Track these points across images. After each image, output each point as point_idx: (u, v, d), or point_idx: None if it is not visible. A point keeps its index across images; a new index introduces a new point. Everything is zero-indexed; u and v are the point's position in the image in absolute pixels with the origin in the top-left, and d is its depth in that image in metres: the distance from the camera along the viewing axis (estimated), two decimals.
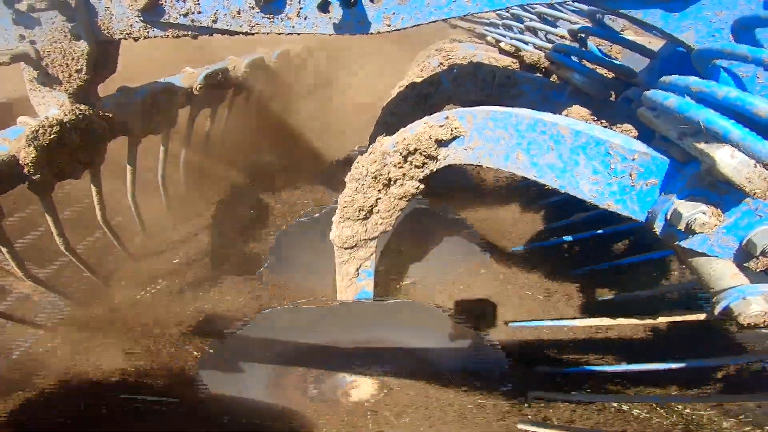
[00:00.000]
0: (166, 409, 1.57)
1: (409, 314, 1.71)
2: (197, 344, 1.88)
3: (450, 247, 2.31)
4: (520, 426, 1.47)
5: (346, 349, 1.72)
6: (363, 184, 1.45)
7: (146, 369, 1.74)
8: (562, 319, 2.05)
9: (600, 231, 2.52)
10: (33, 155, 1.47)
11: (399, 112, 2.29)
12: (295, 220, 2.23)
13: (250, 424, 1.57)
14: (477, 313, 2.14)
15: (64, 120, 1.55)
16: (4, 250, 1.63)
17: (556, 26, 2.34)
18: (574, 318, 2.04)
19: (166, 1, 1.28)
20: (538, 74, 2.38)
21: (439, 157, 1.40)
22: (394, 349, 1.73)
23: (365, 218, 1.53)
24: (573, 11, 2.31)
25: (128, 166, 2.24)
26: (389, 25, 1.25)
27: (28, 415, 1.50)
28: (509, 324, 2.03)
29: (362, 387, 1.73)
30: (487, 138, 1.31)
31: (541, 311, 2.16)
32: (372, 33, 1.27)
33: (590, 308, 2.16)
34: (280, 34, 1.30)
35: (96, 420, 1.51)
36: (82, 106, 1.64)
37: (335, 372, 1.76)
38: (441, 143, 1.37)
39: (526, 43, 2.52)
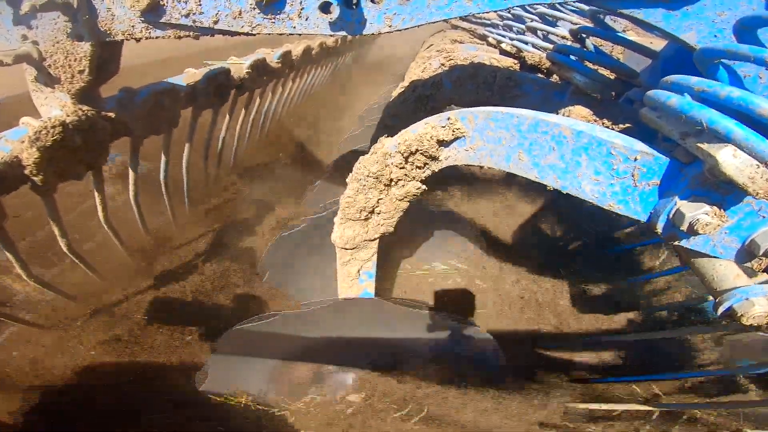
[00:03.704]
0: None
1: (407, 314, 1.71)
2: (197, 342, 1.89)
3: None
4: None
5: (344, 348, 1.72)
6: (364, 185, 1.45)
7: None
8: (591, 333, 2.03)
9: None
10: (35, 156, 1.47)
11: (400, 114, 2.29)
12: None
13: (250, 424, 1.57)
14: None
15: (67, 121, 1.55)
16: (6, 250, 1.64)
17: (557, 26, 2.34)
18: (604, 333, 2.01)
19: (167, 2, 1.28)
20: (539, 75, 2.38)
21: (440, 158, 1.40)
22: (395, 348, 1.72)
23: (366, 219, 1.53)
24: (574, 11, 2.31)
25: (130, 167, 2.24)
26: (390, 26, 1.25)
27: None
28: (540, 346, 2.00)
29: (362, 386, 1.73)
30: (488, 139, 1.31)
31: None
32: (373, 34, 1.27)
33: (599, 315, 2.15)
34: (281, 34, 1.30)
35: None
36: (85, 107, 1.64)
37: (335, 371, 1.76)
38: (442, 144, 1.37)
39: (527, 43, 2.52)
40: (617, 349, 1.93)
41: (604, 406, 1.57)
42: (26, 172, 1.50)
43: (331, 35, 1.29)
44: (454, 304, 2.14)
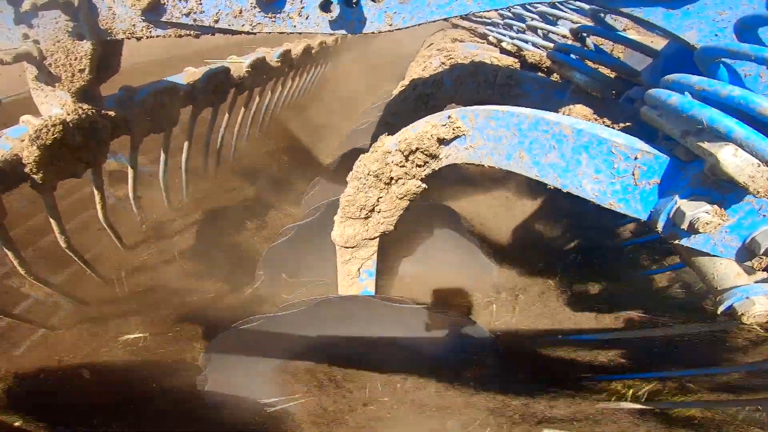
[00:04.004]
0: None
1: (407, 313, 1.70)
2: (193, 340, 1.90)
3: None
4: None
5: (345, 348, 1.72)
6: (365, 183, 1.45)
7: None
8: (590, 332, 2.03)
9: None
10: (36, 154, 1.47)
11: (401, 112, 2.29)
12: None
13: (250, 424, 1.57)
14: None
15: (67, 120, 1.55)
16: (6, 249, 1.64)
17: (557, 25, 2.34)
18: (602, 330, 2.01)
19: (168, 1, 1.28)
20: (539, 74, 2.38)
21: (440, 156, 1.40)
22: (395, 349, 1.73)
23: (367, 217, 1.53)
24: (575, 10, 2.31)
25: (129, 165, 2.24)
26: (391, 25, 1.25)
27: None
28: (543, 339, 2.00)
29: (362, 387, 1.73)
30: (489, 137, 1.31)
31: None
32: (374, 32, 1.27)
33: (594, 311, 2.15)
34: (281, 33, 1.30)
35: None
36: (85, 106, 1.64)
37: (334, 372, 1.76)
38: (443, 142, 1.37)
39: (528, 42, 2.52)
40: (615, 346, 1.93)
41: (602, 405, 1.57)
42: (26, 170, 1.50)
43: (331, 34, 1.29)
44: (453, 303, 2.15)
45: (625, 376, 1.77)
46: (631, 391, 1.68)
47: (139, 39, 1.41)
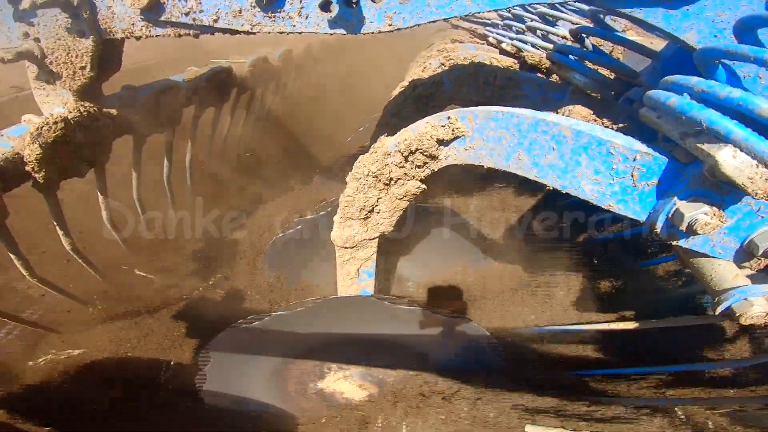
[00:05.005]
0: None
1: (404, 312, 1.70)
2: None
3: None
4: (528, 429, 1.45)
5: (344, 348, 1.72)
6: (364, 184, 1.46)
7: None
8: (581, 323, 2.01)
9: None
10: (37, 153, 1.47)
11: (400, 113, 2.29)
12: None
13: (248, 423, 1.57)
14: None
15: (69, 118, 1.55)
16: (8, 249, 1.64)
17: (556, 26, 2.34)
18: (594, 323, 2.00)
19: (167, 0, 1.28)
20: (539, 75, 2.38)
21: (440, 157, 1.41)
22: (392, 348, 1.72)
23: (366, 218, 1.53)
24: (574, 11, 2.31)
25: (133, 166, 2.24)
26: (390, 25, 1.25)
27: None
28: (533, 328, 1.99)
29: (361, 387, 1.73)
30: (488, 138, 1.32)
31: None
32: (374, 32, 1.27)
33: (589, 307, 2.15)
34: (281, 33, 1.30)
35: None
36: (87, 104, 1.64)
37: (334, 372, 1.76)
38: (442, 143, 1.37)
39: (527, 43, 2.52)
40: (607, 340, 1.92)
41: (590, 400, 1.56)
42: (28, 168, 1.50)
43: (330, 34, 1.29)
44: (451, 301, 2.15)
45: (617, 371, 1.76)
46: (621, 387, 1.68)
47: (138, 38, 1.41)
